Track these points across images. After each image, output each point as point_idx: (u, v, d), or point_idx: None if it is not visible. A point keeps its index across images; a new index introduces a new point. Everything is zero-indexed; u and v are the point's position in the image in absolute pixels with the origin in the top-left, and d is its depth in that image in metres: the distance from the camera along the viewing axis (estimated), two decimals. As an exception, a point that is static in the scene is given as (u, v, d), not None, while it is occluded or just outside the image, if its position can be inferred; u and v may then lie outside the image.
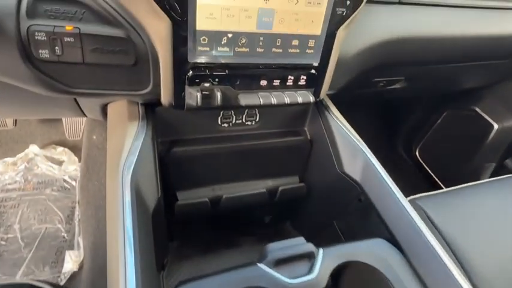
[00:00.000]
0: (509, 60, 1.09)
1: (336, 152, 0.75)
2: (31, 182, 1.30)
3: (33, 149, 1.36)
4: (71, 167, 1.37)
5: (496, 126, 1.38)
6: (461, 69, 1.09)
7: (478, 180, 1.51)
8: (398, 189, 0.66)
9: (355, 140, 0.73)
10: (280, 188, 0.83)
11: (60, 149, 1.42)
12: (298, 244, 0.56)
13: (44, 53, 0.52)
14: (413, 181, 1.70)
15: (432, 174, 1.67)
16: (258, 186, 0.84)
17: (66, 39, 0.52)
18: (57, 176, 1.34)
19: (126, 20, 0.54)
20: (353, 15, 0.62)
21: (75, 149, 1.46)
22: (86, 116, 0.85)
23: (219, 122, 0.77)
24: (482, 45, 0.93)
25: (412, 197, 0.88)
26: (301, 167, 0.87)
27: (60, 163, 1.39)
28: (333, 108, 0.80)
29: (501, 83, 1.36)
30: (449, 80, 1.18)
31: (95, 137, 1.17)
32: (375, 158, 0.70)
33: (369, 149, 0.72)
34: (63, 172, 1.35)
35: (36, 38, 0.51)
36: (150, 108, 0.69)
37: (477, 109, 1.45)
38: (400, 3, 0.79)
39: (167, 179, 0.73)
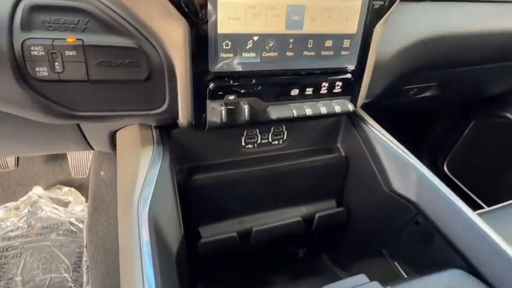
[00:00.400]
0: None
1: (381, 168, 0.65)
2: (35, 227, 1.20)
3: (37, 191, 1.27)
4: (78, 208, 1.27)
5: (533, 131, 1.27)
6: (494, 70, 1.00)
7: (521, 192, 1.38)
8: (467, 206, 0.54)
9: (403, 153, 0.63)
10: (316, 215, 0.72)
11: (65, 189, 1.32)
12: (361, 284, 0.45)
13: (42, 71, 0.44)
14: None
15: (466, 190, 1.54)
16: (291, 215, 0.73)
17: (67, 53, 0.44)
18: (63, 219, 1.24)
19: (135, 27, 0.47)
20: (392, 7, 0.55)
21: (82, 188, 1.36)
22: (92, 148, 0.76)
23: (243, 143, 0.68)
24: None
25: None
26: (337, 189, 0.76)
27: (66, 204, 1.29)
28: (370, 120, 0.71)
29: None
30: (481, 84, 1.10)
31: (102, 173, 1.08)
32: (431, 173, 0.60)
33: (421, 163, 0.62)
34: (69, 214, 1.25)
35: (32, 53, 0.43)
36: (165, 131, 0.60)
37: (509, 115, 1.35)
38: None
39: (187, 212, 0.62)
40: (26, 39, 0.43)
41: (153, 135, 0.58)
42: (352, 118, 0.72)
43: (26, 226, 1.20)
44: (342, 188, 0.76)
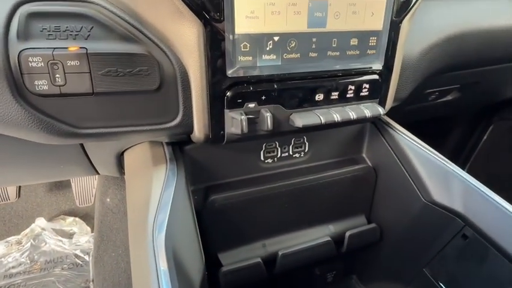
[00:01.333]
0: None
1: (418, 178, 0.59)
2: (38, 262, 1.13)
3: (39, 223, 1.21)
4: (83, 239, 1.19)
5: (559, 133, 1.21)
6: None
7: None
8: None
9: (442, 160, 0.57)
10: (347, 234, 0.65)
11: (70, 219, 1.26)
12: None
13: (42, 85, 0.40)
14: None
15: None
16: (319, 235, 0.66)
17: (69, 63, 0.40)
18: (68, 251, 1.16)
19: (143, 32, 0.42)
20: (415, 4, 0.50)
21: (87, 217, 1.30)
22: (98, 173, 0.70)
23: (262, 158, 0.62)
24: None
25: None
26: (366, 203, 0.70)
27: (70, 236, 1.22)
28: (397, 125, 0.66)
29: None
30: (503, 85, 1.05)
31: (108, 200, 1.01)
32: (477, 181, 0.53)
33: (463, 170, 0.55)
34: (74, 246, 1.18)
35: (30, 65, 0.39)
36: (178, 148, 0.55)
37: (530, 117, 1.29)
38: (453, -4, 0.68)
39: (205, 237, 0.56)
40: (23, 50, 0.38)
41: (165, 152, 0.53)
42: (377, 125, 0.66)
43: (29, 261, 1.13)
44: (371, 201, 0.70)
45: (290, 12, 0.44)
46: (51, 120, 0.42)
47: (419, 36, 0.60)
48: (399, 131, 0.64)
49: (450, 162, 0.57)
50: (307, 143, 0.65)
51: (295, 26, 0.45)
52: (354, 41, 0.50)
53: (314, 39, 0.47)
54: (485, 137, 1.45)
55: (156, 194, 0.46)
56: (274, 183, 0.62)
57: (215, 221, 0.59)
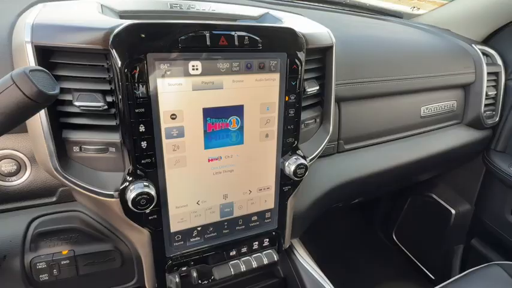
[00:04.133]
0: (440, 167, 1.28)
1: (305, 289, 0.85)
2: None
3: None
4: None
5: (453, 211, 1.52)
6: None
7: (451, 262, 1.61)
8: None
9: (321, 280, 0.83)
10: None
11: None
12: None
13: (44, 277, 0.62)
14: (395, 262, 1.78)
15: (410, 256, 1.76)
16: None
17: (63, 262, 0.63)
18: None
19: (114, 233, 0.66)
20: (296, 190, 0.77)
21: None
22: None
23: (199, 281, 0.86)
24: (411, 168, 1.09)
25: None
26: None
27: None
28: (300, 250, 0.92)
29: (448, 172, 1.54)
30: (401, 182, 1.35)
31: None
32: None
33: (330, 283, 0.82)
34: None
35: (37, 267, 0.61)
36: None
37: (434, 196, 1.61)
38: (338, 152, 0.96)
39: None
40: (33, 258, 0.61)
41: (126, 293, 0.76)
42: (287, 249, 0.92)
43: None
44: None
45: (207, 213, 0.70)
46: (47, 295, 0.65)
47: (307, 193, 0.86)
48: (300, 255, 0.90)
49: (327, 281, 0.83)
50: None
51: (211, 219, 0.71)
52: (254, 218, 0.76)
53: (226, 224, 0.73)
54: (405, 207, 1.76)
55: None
56: None
57: None
